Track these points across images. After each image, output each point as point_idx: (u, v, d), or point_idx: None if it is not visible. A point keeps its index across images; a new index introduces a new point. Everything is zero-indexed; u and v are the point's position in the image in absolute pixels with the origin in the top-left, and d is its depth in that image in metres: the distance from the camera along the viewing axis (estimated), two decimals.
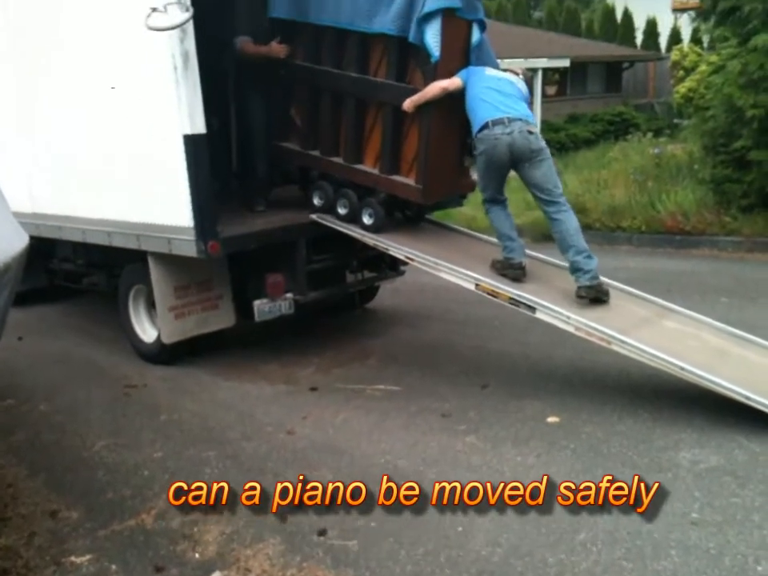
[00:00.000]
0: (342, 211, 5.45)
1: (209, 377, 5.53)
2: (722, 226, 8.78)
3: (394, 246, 5.20)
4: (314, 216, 5.55)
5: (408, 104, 4.91)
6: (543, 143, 4.81)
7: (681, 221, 9.02)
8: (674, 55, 16.85)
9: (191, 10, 4.55)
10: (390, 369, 5.46)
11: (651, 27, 25.94)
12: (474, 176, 5.32)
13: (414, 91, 4.91)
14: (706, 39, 13.69)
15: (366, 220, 5.33)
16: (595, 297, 4.68)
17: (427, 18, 4.71)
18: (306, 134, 5.67)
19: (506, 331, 6.00)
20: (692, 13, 11.43)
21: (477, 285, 4.83)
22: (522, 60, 14.70)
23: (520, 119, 4.73)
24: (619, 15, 26.47)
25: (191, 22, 4.56)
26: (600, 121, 19.04)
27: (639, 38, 26.26)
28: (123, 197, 5.44)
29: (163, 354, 5.72)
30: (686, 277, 7.60)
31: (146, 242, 5.32)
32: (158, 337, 5.60)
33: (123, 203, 5.45)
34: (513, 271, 4.89)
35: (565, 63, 18.72)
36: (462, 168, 5.45)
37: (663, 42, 25.48)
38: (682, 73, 15.65)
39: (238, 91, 6.17)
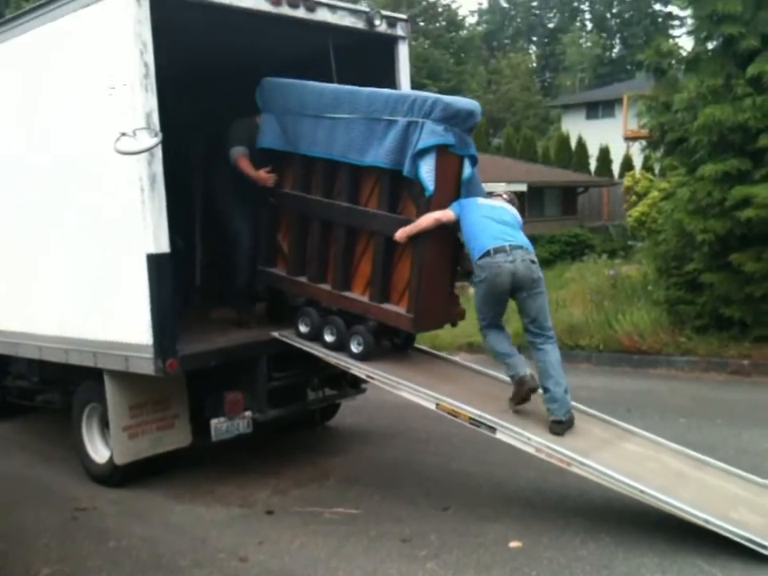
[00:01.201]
0: (329, 338, 5.32)
1: (161, 499, 5.35)
2: (677, 345, 8.93)
3: (355, 365, 5.19)
4: (275, 333, 5.54)
5: (401, 234, 4.90)
6: (541, 273, 4.85)
7: (637, 340, 9.18)
8: (627, 181, 17.52)
9: (160, 135, 4.68)
10: (350, 490, 5.34)
11: (604, 154, 27.24)
12: (463, 305, 5.39)
13: (407, 221, 4.91)
14: (656, 166, 14.28)
15: (355, 348, 5.20)
16: (568, 429, 4.68)
17: (422, 153, 4.78)
18: (293, 259, 5.63)
19: (467, 449, 5.94)
20: (643, 142, 11.95)
21: (437, 404, 4.82)
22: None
23: (521, 247, 4.76)
24: (573, 143, 27.78)
25: (159, 146, 4.69)
26: (557, 242, 19.62)
27: (593, 164, 27.49)
28: (83, 314, 5.41)
29: (115, 476, 5.53)
30: (645, 396, 7.67)
31: (102, 359, 5.25)
32: (111, 457, 5.43)
33: (82, 320, 5.41)
34: (523, 388, 4.75)
35: (522, 188, 19.52)
36: (452, 296, 5.41)
37: (616, 168, 26.67)
38: (634, 198, 16.22)
39: (222, 208, 6.21)
